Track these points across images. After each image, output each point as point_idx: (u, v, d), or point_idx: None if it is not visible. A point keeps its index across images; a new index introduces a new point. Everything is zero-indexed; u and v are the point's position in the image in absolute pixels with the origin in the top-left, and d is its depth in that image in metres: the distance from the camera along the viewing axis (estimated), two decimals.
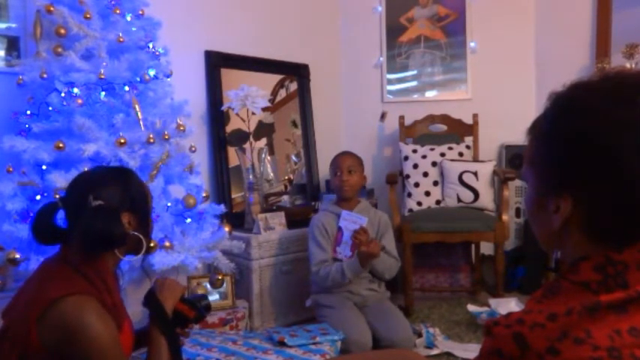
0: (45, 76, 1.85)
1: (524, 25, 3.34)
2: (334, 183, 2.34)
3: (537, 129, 0.70)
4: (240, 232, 2.54)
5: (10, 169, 1.84)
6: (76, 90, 1.84)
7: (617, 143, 0.59)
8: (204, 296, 1.36)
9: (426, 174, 2.97)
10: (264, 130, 2.98)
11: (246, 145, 2.74)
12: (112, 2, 1.99)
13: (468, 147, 3.06)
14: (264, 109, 2.80)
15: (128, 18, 2.04)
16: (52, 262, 1.18)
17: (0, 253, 1.76)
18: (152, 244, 1.30)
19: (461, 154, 3.01)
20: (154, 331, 1.23)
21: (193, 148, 2.19)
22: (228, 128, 2.83)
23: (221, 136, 2.80)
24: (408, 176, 3.00)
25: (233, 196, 2.82)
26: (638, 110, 0.59)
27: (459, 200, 2.90)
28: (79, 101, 1.83)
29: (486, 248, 3.13)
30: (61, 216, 1.20)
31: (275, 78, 3.14)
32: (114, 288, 1.20)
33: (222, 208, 2.19)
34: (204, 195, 2.15)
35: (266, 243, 2.52)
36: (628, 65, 2.78)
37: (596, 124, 0.61)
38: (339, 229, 2.26)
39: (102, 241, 1.13)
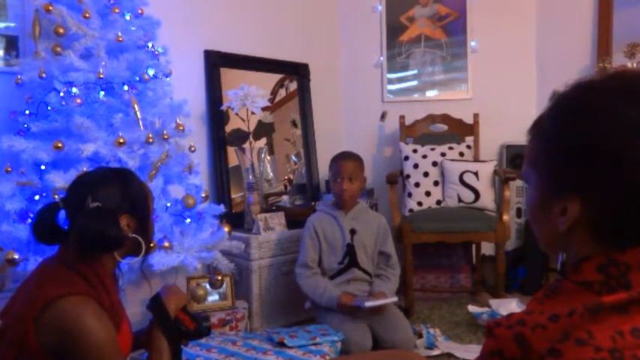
0: (44, 75, 1.84)
1: (525, 25, 3.33)
2: (333, 188, 2.29)
3: (540, 129, 0.69)
4: (239, 232, 2.53)
5: (9, 169, 1.84)
6: (74, 89, 1.83)
7: (627, 143, 0.58)
8: (207, 317, 1.35)
9: (426, 174, 2.97)
10: (263, 129, 2.98)
11: (246, 145, 2.73)
12: (111, 1, 1.99)
13: (468, 147, 3.06)
14: (264, 109, 2.79)
15: (127, 17, 2.03)
16: (50, 263, 1.17)
17: None
18: (152, 245, 1.30)
19: (461, 154, 3.01)
20: (156, 332, 1.22)
21: (193, 148, 2.18)
22: (228, 128, 2.82)
23: (220, 135, 2.79)
24: (408, 176, 3.00)
25: (232, 196, 2.82)
26: None
27: (460, 200, 2.89)
28: (78, 101, 1.83)
29: (487, 248, 3.12)
30: (62, 216, 1.19)
31: (275, 77, 3.13)
32: (112, 289, 1.20)
33: (221, 208, 2.19)
34: (203, 195, 2.15)
35: (266, 243, 2.51)
36: (629, 65, 2.77)
37: (605, 124, 0.60)
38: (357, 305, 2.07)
39: (98, 242, 1.13)
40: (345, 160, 2.28)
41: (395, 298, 2.15)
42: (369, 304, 2.04)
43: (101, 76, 1.87)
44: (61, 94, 1.84)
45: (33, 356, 1.03)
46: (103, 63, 1.90)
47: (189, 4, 2.72)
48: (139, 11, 2.09)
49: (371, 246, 2.31)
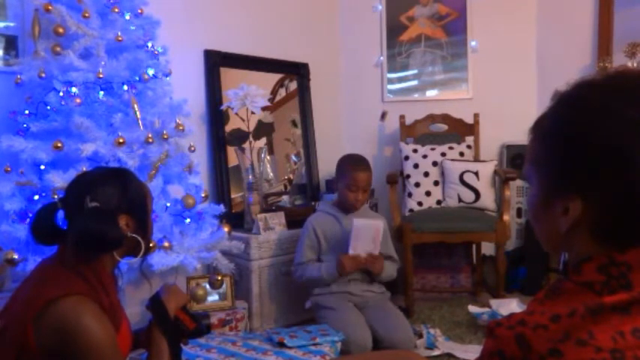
0: (43, 75, 1.84)
1: (526, 24, 3.33)
2: (346, 196, 2.25)
3: (541, 128, 0.68)
4: (239, 232, 2.53)
5: (8, 169, 1.84)
6: (74, 89, 1.83)
7: (629, 143, 0.58)
8: (207, 315, 1.35)
9: (426, 174, 2.96)
10: (263, 129, 2.97)
11: (246, 145, 2.73)
12: (111, 1, 1.99)
13: (468, 147, 3.05)
14: (264, 109, 2.79)
15: (127, 17, 2.03)
16: (49, 263, 1.17)
17: None
18: (151, 245, 1.29)
19: (462, 154, 3.00)
20: (156, 332, 1.22)
21: (192, 148, 2.18)
22: (228, 128, 2.82)
23: (220, 135, 2.79)
24: (408, 176, 2.99)
25: (232, 196, 2.81)
26: None
27: (460, 200, 2.89)
28: (78, 100, 1.82)
29: (487, 249, 3.12)
30: (61, 216, 1.19)
31: (275, 77, 3.13)
32: (111, 289, 1.19)
33: (221, 208, 2.18)
34: (203, 195, 2.14)
35: (266, 243, 2.51)
36: (630, 64, 2.77)
37: (606, 124, 0.60)
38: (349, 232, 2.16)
39: (96, 242, 1.13)
40: (362, 171, 2.23)
41: (381, 223, 2.21)
42: (357, 222, 2.13)
43: (101, 75, 1.86)
44: (61, 93, 1.83)
45: (32, 356, 1.03)
46: (103, 63, 1.90)
47: (189, 4, 2.72)
48: (139, 11, 2.09)
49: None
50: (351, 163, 2.27)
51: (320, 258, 2.27)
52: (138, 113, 1.90)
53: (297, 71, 3.21)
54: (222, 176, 2.77)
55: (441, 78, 3.40)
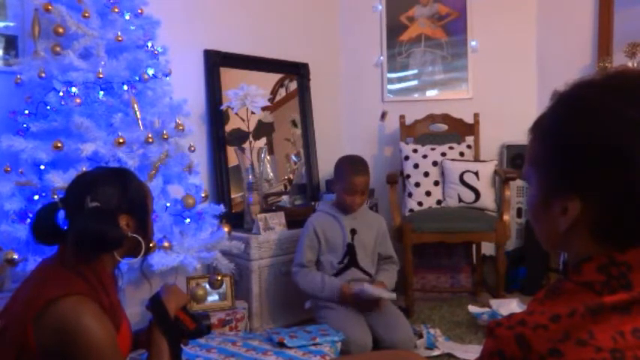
0: (43, 75, 1.84)
1: (526, 24, 3.33)
2: (344, 199, 2.25)
3: (541, 128, 0.68)
4: (239, 232, 2.53)
5: (8, 169, 1.84)
6: (74, 89, 1.83)
7: (629, 143, 0.58)
8: (208, 316, 1.35)
9: (426, 174, 2.96)
10: (263, 129, 2.97)
11: (246, 145, 2.73)
12: (111, 1, 1.98)
13: (468, 147, 3.05)
14: (264, 109, 2.79)
15: (127, 17, 2.03)
16: (49, 263, 1.17)
17: None
18: (151, 245, 1.29)
19: (462, 154, 3.00)
20: (156, 332, 1.22)
21: (192, 148, 2.18)
22: (228, 128, 2.82)
23: (220, 135, 2.79)
24: (408, 176, 2.99)
25: (232, 196, 2.81)
26: None
27: (460, 200, 2.89)
28: (78, 100, 1.82)
29: (487, 249, 3.12)
30: (61, 216, 1.19)
31: (275, 77, 3.13)
32: (111, 289, 1.20)
33: (221, 208, 2.18)
34: (203, 195, 2.14)
35: (266, 243, 2.51)
36: (630, 64, 2.77)
37: (605, 124, 0.60)
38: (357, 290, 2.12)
39: (96, 242, 1.13)
40: (360, 175, 2.23)
41: (393, 296, 2.14)
42: (368, 290, 2.06)
43: (101, 75, 1.86)
44: (61, 93, 1.83)
45: (32, 356, 1.03)
46: (103, 63, 1.90)
47: (189, 4, 2.72)
48: (139, 11, 2.09)
49: (371, 246, 2.31)
50: (349, 167, 2.26)
51: (319, 258, 2.27)
52: (138, 113, 1.90)
53: (297, 71, 3.20)
54: (222, 176, 2.77)
55: (441, 78, 3.40)
